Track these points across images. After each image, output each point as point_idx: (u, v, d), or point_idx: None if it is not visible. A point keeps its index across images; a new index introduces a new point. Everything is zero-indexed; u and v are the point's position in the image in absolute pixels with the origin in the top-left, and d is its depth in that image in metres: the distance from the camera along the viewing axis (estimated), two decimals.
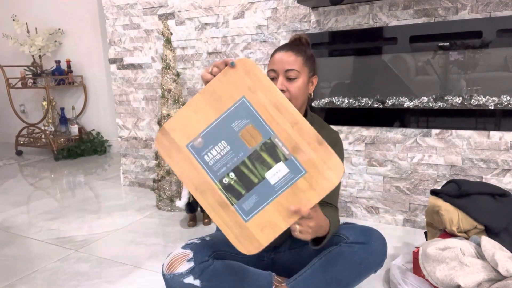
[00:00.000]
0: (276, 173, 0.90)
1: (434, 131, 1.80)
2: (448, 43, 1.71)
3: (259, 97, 0.91)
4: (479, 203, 1.37)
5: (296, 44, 1.20)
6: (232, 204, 0.90)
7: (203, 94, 0.93)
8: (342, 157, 1.25)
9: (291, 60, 1.13)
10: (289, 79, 1.13)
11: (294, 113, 0.91)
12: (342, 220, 1.40)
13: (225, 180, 0.91)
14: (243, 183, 0.91)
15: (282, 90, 1.11)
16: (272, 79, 1.15)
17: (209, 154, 0.92)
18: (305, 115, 1.22)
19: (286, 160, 0.90)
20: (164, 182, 2.25)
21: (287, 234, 1.23)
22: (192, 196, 1.98)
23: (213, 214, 0.91)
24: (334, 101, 1.98)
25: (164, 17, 2.43)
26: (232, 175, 0.91)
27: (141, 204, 2.40)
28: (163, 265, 1.06)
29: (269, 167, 0.90)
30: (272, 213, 0.89)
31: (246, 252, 0.89)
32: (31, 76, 3.98)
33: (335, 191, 1.21)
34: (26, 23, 4.06)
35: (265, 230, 0.89)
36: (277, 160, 0.90)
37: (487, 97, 1.67)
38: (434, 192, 1.50)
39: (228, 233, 0.90)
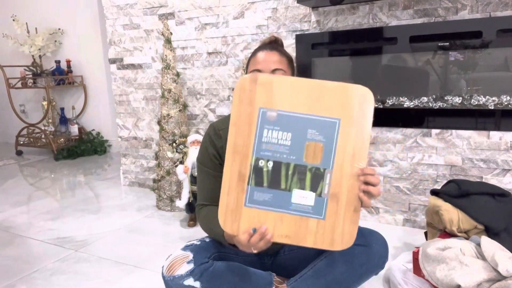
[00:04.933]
0: (302, 197, 0.89)
1: (434, 131, 1.80)
2: (448, 43, 1.71)
3: (350, 133, 0.87)
4: (479, 203, 1.37)
5: (276, 45, 1.16)
6: (248, 184, 0.89)
7: (316, 85, 0.88)
8: None
9: (277, 60, 1.08)
10: None
11: (361, 170, 0.88)
12: None
13: (261, 163, 0.88)
14: (271, 178, 0.88)
15: None
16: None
17: (270, 131, 0.88)
18: None
19: (319, 196, 0.88)
20: (164, 182, 2.25)
21: None
22: (193, 196, 1.98)
23: (227, 175, 0.89)
24: None
25: (164, 17, 2.43)
26: (270, 164, 0.88)
27: (141, 204, 2.40)
28: (162, 267, 1.05)
29: (302, 188, 0.88)
30: (269, 220, 0.89)
31: (221, 225, 0.90)
32: (31, 76, 3.98)
33: None
34: (26, 23, 4.06)
35: (250, 225, 0.89)
36: (313, 189, 0.88)
37: (487, 97, 1.67)
38: (434, 192, 1.50)
39: (223, 201, 0.89)
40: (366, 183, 0.87)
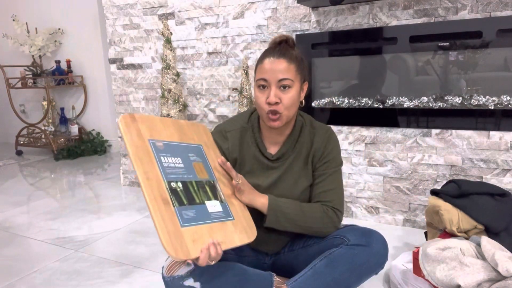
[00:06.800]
0: (213, 206, 1.00)
1: (434, 131, 1.80)
2: (448, 43, 1.71)
3: (211, 153, 1.11)
4: (479, 203, 1.37)
5: (285, 48, 1.09)
6: (174, 206, 0.90)
7: (176, 122, 1.08)
8: (338, 151, 1.19)
9: (284, 68, 1.04)
10: (283, 87, 1.05)
11: (230, 175, 1.11)
12: (343, 221, 1.40)
13: (173, 185, 0.94)
14: (187, 196, 0.95)
15: (276, 102, 1.05)
16: (262, 87, 1.07)
17: (166, 157, 0.97)
18: (295, 121, 1.18)
19: (222, 202, 1.03)
20: None
21: (287, 240, 1.23)
22: None
23: (154, 204, 0.86)
24: (334, 101, 1.98)
25: (164, 17, 2.43)
26: (180, 184, 0.95)
27: (141, 204, 2.40)
28: (162, 267, 1.05)
29: (209, 199, 1.00)
30: (204, 233, 0.93)
31: (174, 255, 0.83)
32: (31, 76, 3.98)
33: (339, 190, 1.18)
34: (26, 23, 4.06)
35: (196, 243, 0.89)
36: (216, 198, 1.02)
37: (487, 97, 1.67)
38: (434, 192, 1.50)
39: (162, 228, 0.85)
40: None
